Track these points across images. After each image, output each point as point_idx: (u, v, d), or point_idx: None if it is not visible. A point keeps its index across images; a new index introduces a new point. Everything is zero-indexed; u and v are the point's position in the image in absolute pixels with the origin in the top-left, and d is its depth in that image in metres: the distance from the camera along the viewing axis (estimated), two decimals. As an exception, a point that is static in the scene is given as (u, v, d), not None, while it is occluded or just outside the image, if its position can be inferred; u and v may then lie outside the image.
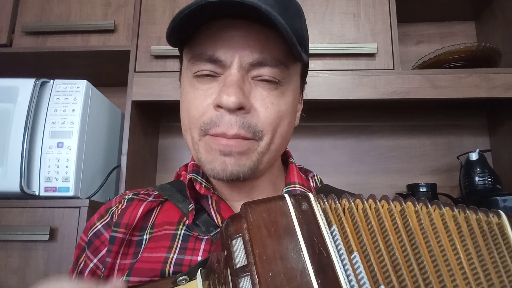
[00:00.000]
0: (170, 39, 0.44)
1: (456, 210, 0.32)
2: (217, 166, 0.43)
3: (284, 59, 0.45)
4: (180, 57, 0.52)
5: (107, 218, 0.50)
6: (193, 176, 0.48)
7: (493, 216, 0.32)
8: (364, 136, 1.30)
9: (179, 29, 0.43)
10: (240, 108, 0.42)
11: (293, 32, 0.40)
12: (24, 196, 0.89)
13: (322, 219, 0.29)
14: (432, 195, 1.11)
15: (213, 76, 0.44)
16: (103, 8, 1.15)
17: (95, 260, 0.48)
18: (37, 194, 0.91)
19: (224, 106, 0.41)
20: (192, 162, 0.52)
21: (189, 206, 0.48)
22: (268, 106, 0.44)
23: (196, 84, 0.45)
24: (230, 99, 0.41)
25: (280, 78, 0.45)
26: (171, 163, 1.31)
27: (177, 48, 0.51)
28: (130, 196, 0.52)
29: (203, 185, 0.48)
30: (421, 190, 1.11)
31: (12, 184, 0.88)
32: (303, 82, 0.53)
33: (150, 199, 0.51)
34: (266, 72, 0.44)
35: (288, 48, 0.44)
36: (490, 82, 1.02)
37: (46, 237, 0.85)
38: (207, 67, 0.44)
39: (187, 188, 0.48)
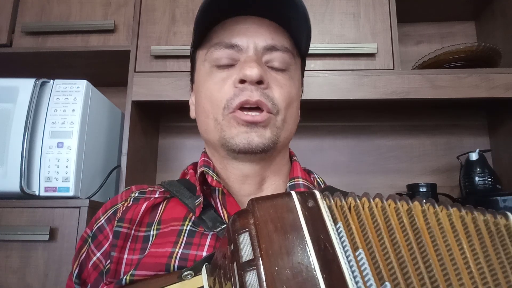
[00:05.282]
0: (199, 20, 0.49)
1: (463, 211, 0.32)
2: (243, 140, 0.47)
3: (291, 48, 0.52)
4: (191, 61, 0.57)
5: (110, 213, 0.51)
6: (205, 169, 0.50)
7: (501, 218, 0.32)
8: (364, 136, 1.30)
9: (204, 19, 0.49)
10: (260, 83, 0.47)
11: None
12: (24, 196, 0.89)
13: (328, 216, 0.29)
14: (432, 195, 1.11)
15: (230, 65, 0.49)
16: (103, 8, 1.14)
17: (98, 254, 0.49)
18: (37, 194, 0.90)
19: (247, 78, 0.46)
20: (203, 158, 0.54)
21: (197, 200, 0.49)
22: (282, 86, 0.50)
23: (215, 72, 0.50)
24: (254, 71, 0.46)
25: (288, 65, 0.51)
26: (171, 163, 1.31)
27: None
28: (136, 195, 0.53)
29: (214, 178, 0.50)
30: (421, 190, 1.11)
31: (12, 184, 0.88)
32: (302, 79, 0.58)
33: (156, 196, 0.52)
34: (277, 56, 0.50)
35: (293, 41, 0.52)
36: (490, 82, 1.02)
37: (46, 237, 0.84)
38: (225, 53, 0.49)
39: (198, 181, 0.50)
